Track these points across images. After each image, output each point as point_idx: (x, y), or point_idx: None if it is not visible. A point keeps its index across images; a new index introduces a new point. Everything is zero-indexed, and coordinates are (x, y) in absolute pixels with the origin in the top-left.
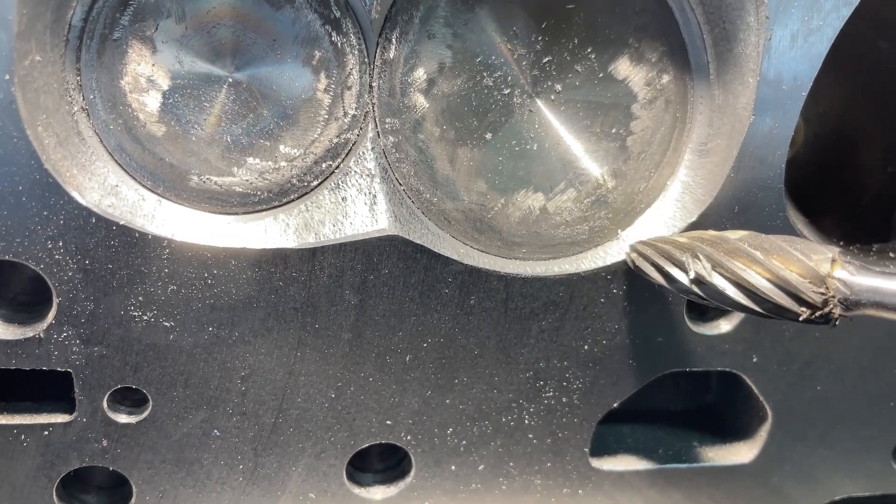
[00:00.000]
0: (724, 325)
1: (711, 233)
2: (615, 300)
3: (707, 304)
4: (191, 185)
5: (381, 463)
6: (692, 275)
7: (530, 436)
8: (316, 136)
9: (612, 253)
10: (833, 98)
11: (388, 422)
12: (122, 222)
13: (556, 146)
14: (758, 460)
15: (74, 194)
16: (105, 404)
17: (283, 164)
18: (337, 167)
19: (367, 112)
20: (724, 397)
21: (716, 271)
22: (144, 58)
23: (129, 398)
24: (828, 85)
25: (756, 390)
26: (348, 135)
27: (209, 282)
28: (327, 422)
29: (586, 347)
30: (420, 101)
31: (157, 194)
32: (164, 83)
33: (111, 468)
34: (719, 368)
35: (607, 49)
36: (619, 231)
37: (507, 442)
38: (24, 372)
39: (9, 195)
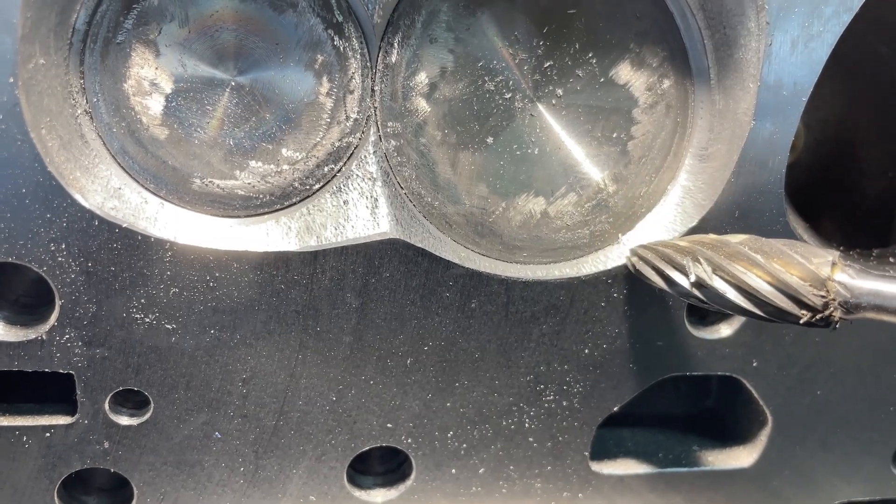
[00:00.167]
0: (725, 330)
1: (712, 237)
2: (616, 304)
3: (708, 308)
4: (193, 188)
5: (382, 466)
6: (693, 278)
7: (531, 439)
8: (318, 139)
9: (612, 257)
10: (833, 103)
11: (389, 425)
12: (124, 225)
13: (557, 150)
14: (758, 464)
15: (77, 197)
16: (107, 406)
17: (285, 167)
18: (339, 171)
19: (368, 116)
20: (725, 401)
21: (716, 275)
22: (148, 61)
23: (131, 400)
24: (828, 90)
25: (756, 394)
26: (350, 138)
27: (211, 284)
28: (328, 424)
29: (587, 351)
30: (422, 105)
31: (160, 197)
32: (168, 86)
33: (112, 470)
34: (719, 373)
35: (608, 54)
36: (620, 235)
37: (508, 445)
38: (25, 373)
39: (12, 197)
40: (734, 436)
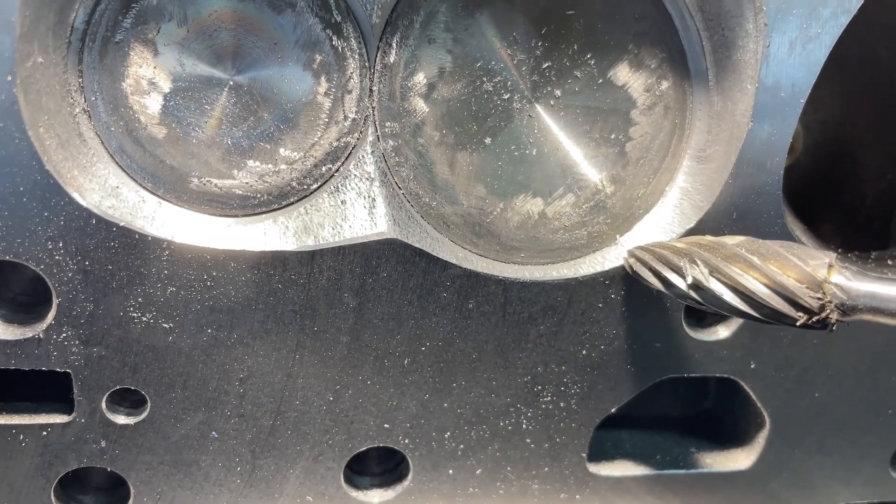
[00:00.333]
0: (723, 332)
1: (709, 238)
2: (613, 305)
3: (705, 310)
4: (191, 188)
5: (379, 466)
6: (690, 280)
7: (528, 440)
8: (316, 139)
9: (610, 258)
10: (832, 105)
11: (386, 425)
12: (122, 224)
13: (555, 151)
14: (755, 467)
15: (75, 195)
16: (104, 405)
17: (283, 167)
18: (337, 170)
19: (367, 116)
20: (722, 403)
21: (713, 276)
22: (146, 60)
23: (128, 399)
24: (826, 92)
25: (754, 397)
26: (348, 138)
27: (208, 284)
28: (325, 425)
29: (584, 352)
30: (420, 105)
31: (158, 196)
32: (166, 86)
33: (109, 469)
34: (717, 375)
35: (607, 55)
36: (618, 236)
37: (505, 446)
38: (22, 372)
39: (10, 196)
40: (732, 438)
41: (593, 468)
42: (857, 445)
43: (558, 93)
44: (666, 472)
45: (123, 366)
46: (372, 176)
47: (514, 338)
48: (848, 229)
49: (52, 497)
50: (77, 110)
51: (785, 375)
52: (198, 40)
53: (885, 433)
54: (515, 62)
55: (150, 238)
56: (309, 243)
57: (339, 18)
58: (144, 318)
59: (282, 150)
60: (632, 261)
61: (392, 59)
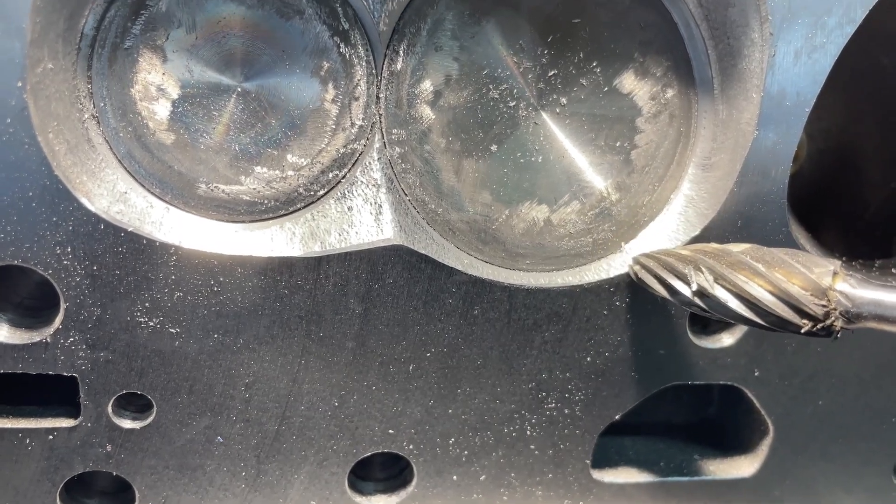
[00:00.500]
0: (727, 339)
1: (714, 245)
2: (618, 312)
3: (710, 317)
4: (199, 193)
5: (383, 472)
6: (695, 287)
7: (532, 447)
8: (323, 146)
9: (615, 265)
10: (836, 113)
11: (391, 431)
12: (130, 229)
13: (561, 159)
14: (759, 474)
15: (84, 201)
16: (110, 409)
17: (290, 173)
18: (343, 177)
19: (373, 123)
20: (726, 411)
21: (718, 283)
22: (155, 67)
23: (134, 403)
24: (830, 100)
25: (758, 404)
26: (355, 145)
27: (215, 289)
28: (330, 430)
29: (589, 359)
30: (426, 112)
31: (165, 202)
32: (174, 92)
33: (114, 473)
34: (721, 382)
35: (612, 63)
36: (623, 244)
37: (509, 453)
38: (29, 376)
39: (19, 201)
40: (735, 445)
41: (597, 475)
42: (860, 453)
43: (564, 100)
44: (669, 479)
45: (130, 370)
46: (378, 182)
47: (518, 344)
48: (852, 238)
49: (58, 501)
50: (86, 116)
51: (789, 383)
52: (206, 47)
53: (889, 441)
54: (521, 70)
55: (157, 243)
56: (315, 249)
57: (346, 26)
58: (151, 323)
59: (289, 157)
60: (636, 268)
61: (399, 67)
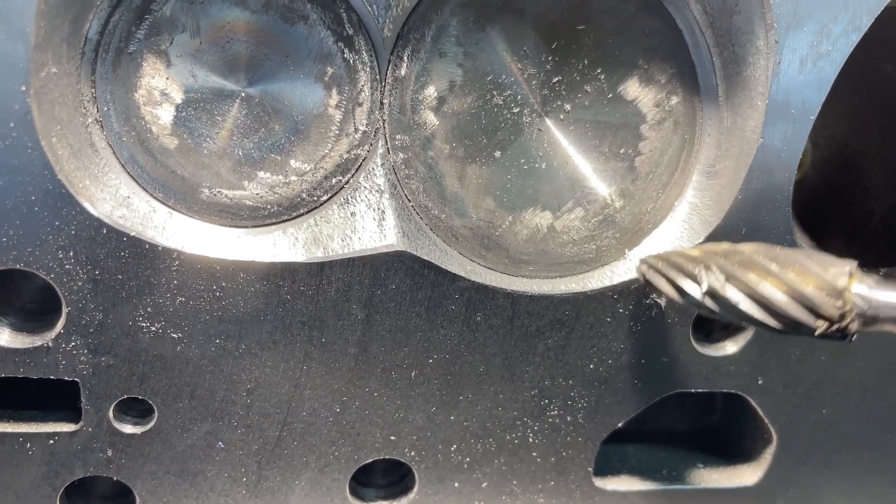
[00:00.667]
0: (730, 347)
1: (724, 245)
2: (621, 320)
3: (720, 319)
4: (201, 198)
5: (385, 478)
6: (705, 287)
7: (534, 454)
8: (326, 151)
9: (618, 272)
10: (840, 121)
11: (392, 437)
12: (132, 234)
13: (565, 165)
14: (762, 483)
15: (86, 205)
16: (111, 414)
17: (293, 178)
18: (346, 182)
19: (377, 128)
20: (729, 419)
21: (729, 283)
22: (159, 71)
23: (135, 408)
24: (835, 108)
25: (761, 412)
26: (358, 151)
27: (217, 294)
28: (331, 436)
29: (592, 366)
30: (430, 118)
31: (168, 206)
32: (178, 96)
33: (115, 478)
34: (724, 390)
35: (617, 70)
36: (627, 250)
37: (511, 460)
38: (30, 380)
39: (21, 205)
40: (738, 453)
41: (599, 482)
42: (864, 462)
43: (568, 107)
44: (672, 487)
45: (131, 375)
46: (382, 188)
47: (521, 351)
48: (856, 245)
49: None
50: (89, 120)
51: (792, 391)
52: (210, 52)
53: (893, 450)
54: (526, 76)
55: (160, 248)
56: (318, 255)
57: (351, 31)
58: (153, 328)
59: (292, 162)
60: (644, 269)
61: (403, 73)
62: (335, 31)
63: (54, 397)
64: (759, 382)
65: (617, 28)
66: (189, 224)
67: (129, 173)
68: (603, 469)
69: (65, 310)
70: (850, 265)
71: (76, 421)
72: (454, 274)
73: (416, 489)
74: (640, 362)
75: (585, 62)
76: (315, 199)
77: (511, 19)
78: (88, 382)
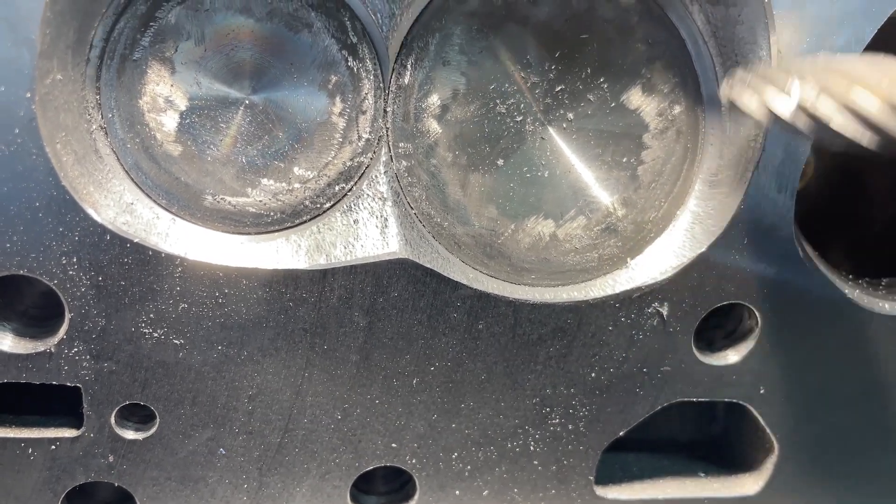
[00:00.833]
0: (732, 356)
1: (822, 59)
2: (623, 328)
3: (807, 138)
4: (205, 205)
5: (386, 486)
6: (796, 100)
7: (535, 462)
8: (330, 158)
9: (620, 281)
10: None
11: (394, 444)
12: (136, 240)
13: (567, 174)
14: (763, 493)
15: (90, 211)
16: (113, 420)
17: (296, 185)
18: (349, 190)
19: (380, 136)
20: (731, 428)
21: (824, 95)
22: (163, 78)
23: (137, 414)
24: None
25: (763, 422)
26: (362, 158)
27: (220, 301)
28: (333, 443)
29: (593, 375)
30: (433, 126)
31: (172, 213)
32: (182, 103)
33: (116, 484)
34: (726, 399)
35: (620, 79)
36: (629, 259)
37: (512, 468)
38: (32, 385)
39: (25, 211)
40: (740, 463)
41: (600, 491)
42: (866, 472)
43: (571, 116)
44: (673, 495)
45: (133, 381)
46: (384, 196)
47: (523, 359)
48: (859, 254)
49: None
50: (94, 127)
51: (794, 401)
52: (215, 59)
53: (894, 460)
54: (529, 85)
55: (163, 254)
56: (321, 262)
57: (355, 40)
58: (156, 334)
59: (296, 169)
60: (730, 84)
61: (407, 81)
62: (339, 39)
63: (56, 402)
64: (761, 392)
65: (620, 37)
66: (192, 230)
67: (132, 180)
68: (604, 477)
69: (67, 315)
70: None
71: (78, 426)
72: (456, 282)
73: (416, 497)
74: (641, 371)
75: (588, 71)
76: (318, 206)
77: (514, 28)
78: (90, 388)
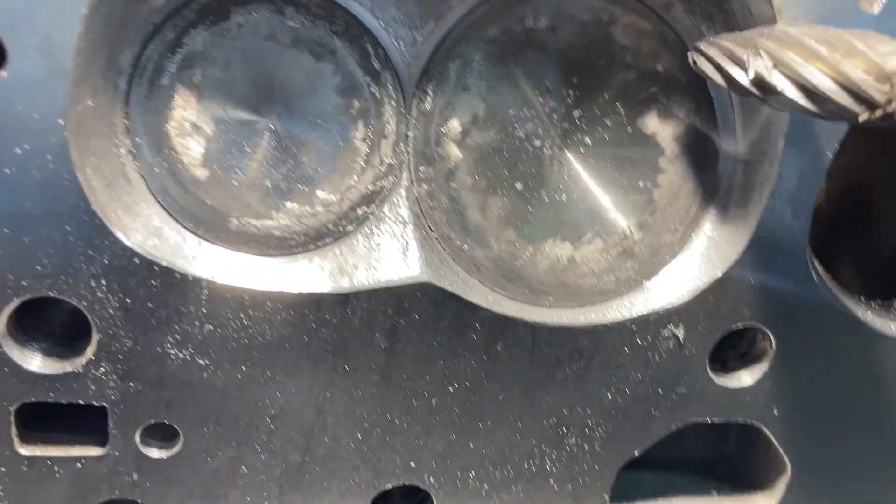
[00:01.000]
0: (746, 378)
1: (779, 28)
2: (639, 350)
3: (769, 106)
4: (230, 228)
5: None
6: (752, 74)
7: (551, 481)
8: (352, 182)
9: (637, 304)
10: (853, 151)
11: (412, 463)
12: (164, 263)
13: (585, 197)
14: None
15: (120, 235)
16: (137, 438)
17: (319, 209)
18: (371, 213)
19: (402, 161)
20: (744, 448)
21: (776, 70)
22: (190, 103)
23: (161, 433)
24: (850, 139)
25: (776, 442)
26: (383, 182)
27: (245, 322)
28: (352, 461)
29: (610, 396)
30: (454, 150)
31: (198, 236)
32: (209, 128)
33: (140, 501)
34: (740, 420)
35: (636, 104)
36: (645, 281)
37: (529, 487)
38: (58, 403)
39: (57, 234)
40: (753, 482)
41: None
42: (877, 493)
43: (588, 140)
44: None
45: (158, 401)
46: (406, 219)
47: (540, 380)
48: (870, 275)
49: None
50: (122, 151)
51: (807, 422)
52: (241, 85)
53: None
54: (547, 110)
55: (189, 277)
56: (344, 284)
57: (377, 66)
58: (181, 355)
59: (319, 193)
60: (695, 55)
61: (428, 106)
62: (362, 65)
63: (81, 420)
64: (775, 412)
65: (637, 64)
66: (218, 253)
67: (160, 203)
68: (619, 496)
69: (95, 336)
70: None
71: (103, 445)
72: (476, 304)
73: None
74: (657, 392)
75: (606, 97)
76: (340, 229)
77: (533, 54)
78: (116, 407)
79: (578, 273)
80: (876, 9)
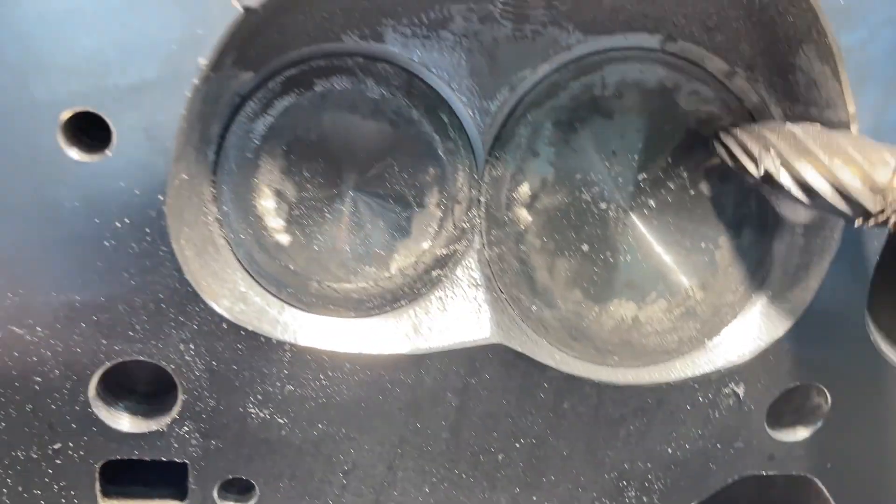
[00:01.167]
0: (802, 432)
1: (788, 127)
2: (700, 407)
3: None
4: (311, 291)
5: None
6: (762, 171)
7: None
8: (427, 246)
9: (700, 363)
10: None
11: None
12: (250, 328)
13: (648, 258)
14: None
15: (210, 302)
16: (216, 494)
17: (395, 272)
18: (445, 276)
19: (474, 224)
20: (794, 498)
21: (783, 169)
22: (274, 171)
23: (237, 486)
24: None
25: (828, 495)
26: (456, 245)
27: (323, 382)
28: None
29: (669, 451)
30: (523, 214)
31: (281, 299)
32: (292, 195)
33: None
34: (794, 473)
35: (698, 167)
36: (707, 340)
37: None
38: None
39: (150, 302)
40: None
41: None
42: None
43: (652, 203)
44: None
45: (238, 457)
46: (478, 281)
47: (604, 436)
48: None
49: None
50: (210, 219)
51: (861, 476)
52: (323, 154)
53: None
54: (613, 174)
55: (274, 340)
56: (419, 345)
57: (452, 134)
58: (262, 414)
59: (395, 257)
60: (716, 143)
61: (499, 172)
62: (438, 133)
63: (159, 472)
64: (829, 466)
65: (698, 127)
66: (300, 317)
67: (246, 269)
68: None
69: (181, 397)
70: (895, 158)
71: (182, 499)
72: (545, 364)
73: None
74: (715, 447)
75: (669, 160)
76: (415, 291)
77: (600, 120)
78: (197, 464)
79: (643, 332)
80: None
